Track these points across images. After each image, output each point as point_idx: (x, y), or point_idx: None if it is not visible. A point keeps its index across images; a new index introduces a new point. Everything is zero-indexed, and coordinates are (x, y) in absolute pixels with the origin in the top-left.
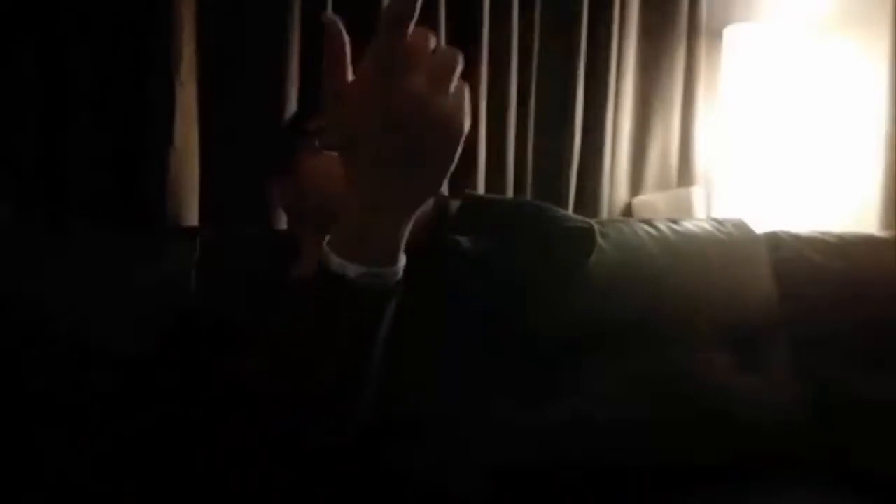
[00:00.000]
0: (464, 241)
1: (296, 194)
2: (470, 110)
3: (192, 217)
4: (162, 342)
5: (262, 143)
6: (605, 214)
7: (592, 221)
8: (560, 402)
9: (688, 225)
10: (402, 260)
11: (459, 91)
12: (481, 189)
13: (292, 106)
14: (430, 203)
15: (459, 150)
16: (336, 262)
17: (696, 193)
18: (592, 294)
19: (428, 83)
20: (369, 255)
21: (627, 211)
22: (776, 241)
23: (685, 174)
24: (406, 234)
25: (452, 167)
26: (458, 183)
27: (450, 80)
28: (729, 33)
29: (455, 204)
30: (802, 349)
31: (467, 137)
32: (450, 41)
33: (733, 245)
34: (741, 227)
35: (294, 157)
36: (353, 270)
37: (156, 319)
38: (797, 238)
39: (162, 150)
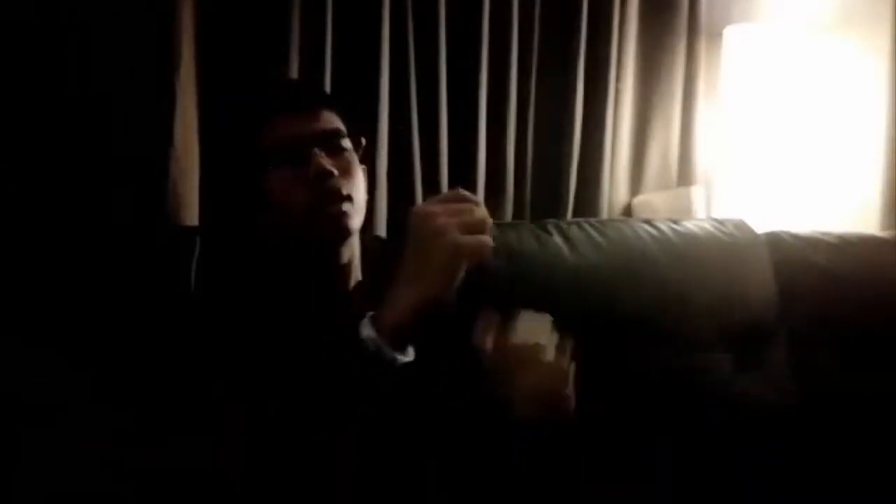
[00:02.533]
0: None
1: None
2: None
3: (192, 217)
4: (161, 342)
5: None
6: (605, 214)
7: None
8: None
9: (688, 225)
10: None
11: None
12: (480, 188)
13: None
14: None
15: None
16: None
17: (696, 193)
18: (592, 294)
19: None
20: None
21: (627, 211)
22: (776, 241)
23: (685, 174)
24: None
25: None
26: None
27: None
28: (729, 33)
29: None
30: (802, 349)
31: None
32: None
33: (733, 245)
34: (741, 227)
35: None
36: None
37: (156, 319)
38: (797, 238)
39: (161, 151)
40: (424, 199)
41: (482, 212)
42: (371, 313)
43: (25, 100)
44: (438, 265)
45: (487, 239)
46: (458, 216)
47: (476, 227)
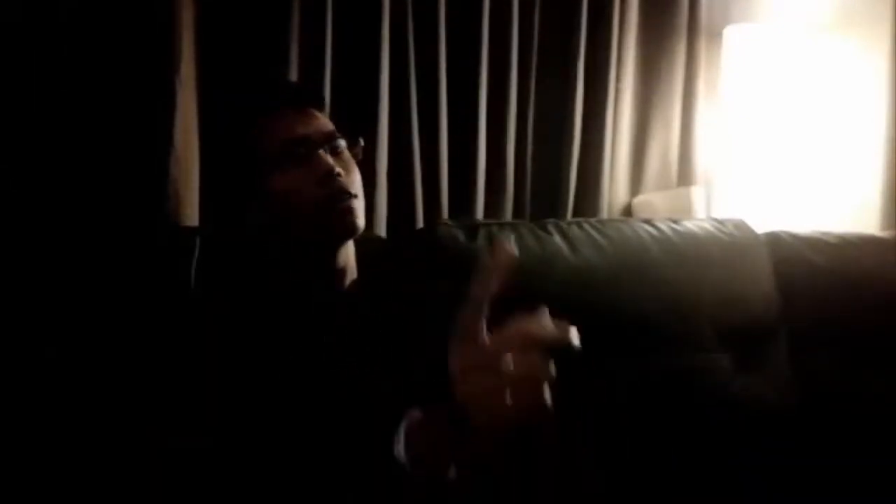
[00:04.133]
0: None
1: None
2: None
3: (192, 217)
4: (161, 342)
5: None
6: (605, 214)
7: None
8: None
9: (688, 225)
10: None
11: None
12: (480, 188)
13: None
14: None
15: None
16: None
17: (696, 193)
18: (592, 293)
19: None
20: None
21: (627, 211)
22: (776, 241)
23: (685, 174)
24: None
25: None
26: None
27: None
28: (729, 33)
29: None
30: (802, 349)
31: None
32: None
33: (733, 245)
34: (741, 227)
35: None
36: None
37: (155, 319)
38: (797, 238)
39: (161, 151)
40: (424, 199)
41: (540, 347)
42: (408, 421)
43: (25, 100)
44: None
45: (538, 400)
46: (498, 370)
47: (525, 383)
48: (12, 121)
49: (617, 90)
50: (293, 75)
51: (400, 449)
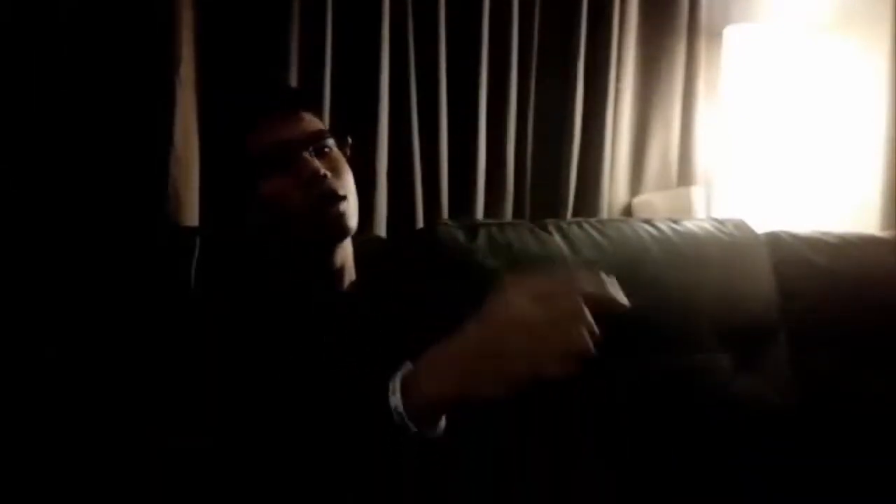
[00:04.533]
0: None
1: None
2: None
3: (192, 217)
4: (161, 341)
5: None
6: (605, 214)
7: None
8: (559, 402)
9: (688, 225)
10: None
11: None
12: (480, 188)
13: None
14: None
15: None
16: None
17: (696, 193)
18: None
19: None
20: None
21: (627, 211)
22: (776, 241)
23: (685, 174)
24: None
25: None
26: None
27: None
28: (729, 33)
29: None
30: (802, 349)
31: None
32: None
33: (733, 245)
34: (741, 227)
35: None
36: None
37: (155, 319)
38: (797, 238)
39: (162, 151)
40: (424, 199)
41: (581, 324)
42: (406, 369)
43: (25, 100)
44: (497, 382)
45: (584, 347)
46: (552, 330)
47: (568, 351)
48: (12, 121)
49: (617, 90)
50: (293, 75)
51: (396, 399)
